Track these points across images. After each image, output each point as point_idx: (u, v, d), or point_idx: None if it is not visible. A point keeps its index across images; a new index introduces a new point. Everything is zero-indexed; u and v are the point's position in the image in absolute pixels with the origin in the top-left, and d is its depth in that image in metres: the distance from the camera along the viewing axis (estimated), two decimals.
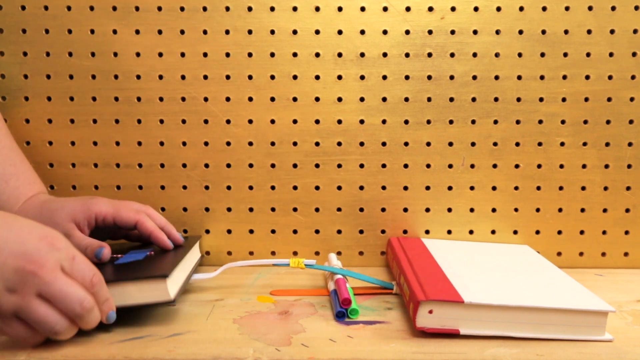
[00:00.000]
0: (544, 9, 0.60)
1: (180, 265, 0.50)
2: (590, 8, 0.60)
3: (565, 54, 0.61)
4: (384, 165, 0.63)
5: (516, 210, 0.64)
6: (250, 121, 0.62)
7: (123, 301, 0.45)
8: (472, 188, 0.63)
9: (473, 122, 0.62)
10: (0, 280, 0.37)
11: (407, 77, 0.61)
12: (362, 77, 0.61)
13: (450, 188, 0.63)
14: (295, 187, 0.63)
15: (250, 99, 0.61)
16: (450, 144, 0.62)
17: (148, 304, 0.45)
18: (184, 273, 0.52)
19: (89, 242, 0.50)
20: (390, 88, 0.61)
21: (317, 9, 0.60)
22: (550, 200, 0.63)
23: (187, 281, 0.52)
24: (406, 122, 0.62)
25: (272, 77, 0.61)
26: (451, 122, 0.62)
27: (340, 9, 0.60)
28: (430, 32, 0.60)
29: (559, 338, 0.44)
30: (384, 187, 0.63)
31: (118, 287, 0.45)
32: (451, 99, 0.62)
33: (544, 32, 0.60)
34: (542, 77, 0.61)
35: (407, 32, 0.60)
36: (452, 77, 0.61)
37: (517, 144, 0.62)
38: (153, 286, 0.45)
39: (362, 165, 0.63)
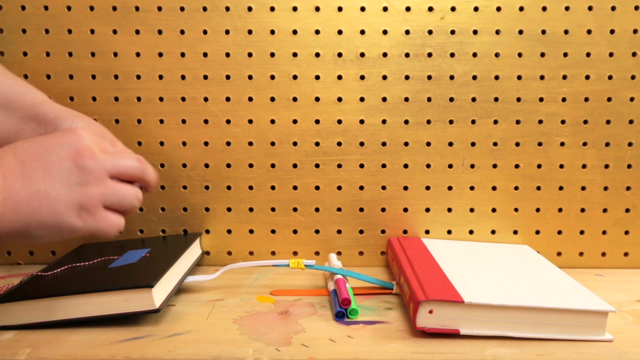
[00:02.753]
0: (544, 9, 0.60)
1: (172, 269, 0.50)
2: (590, 8, 0.60)
3: (565, 54, 0.61)
4: (384, 165, 0.63)
5: (516, 210, 0.64)
6: (250, 121, 0.62)
7: (109, 310, 0.45)
8: (472, 188, 0.63)
9: (473, 122, 0.62)
10: (72, 180, 0.38)
11: (407, 77, 0.61)
12: (362, 77, 0.61)
13: (450, 188, 0.63)
14: (295, 187, 0.63)
15: (250, 99, 0.61)
16: (450, 144, 0.62)
17: (133, 313, 0.45)
18: (177, 276, 0.52)
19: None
20: (390, 88, 0.61)
21: (317, 9, 0.60)
22: (550, 200, 0.63)
23: (182, 281, 0.52)
24: (406, 122, 0.62)
25: (272, 77, 0.61)
26: (451, 122, 0.62)
27: (340, 9, 0.60)
28: (430, 32, 0.60)
29: (559, 338, 0.44)
30: (384, 187, 0.63)
31: (104, 296, 0.45)
32: (451, 99, 0.62)
33: (544, 32, 0.60)
34: (542, 77, 0.61)
35: (407, 32, 0.60)
36: (452, 77, 0.61)
37: (517, 144, 0.62)
38: (139, 295, 0.45)
39: (362, 165, 0.63)
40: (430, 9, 0.60)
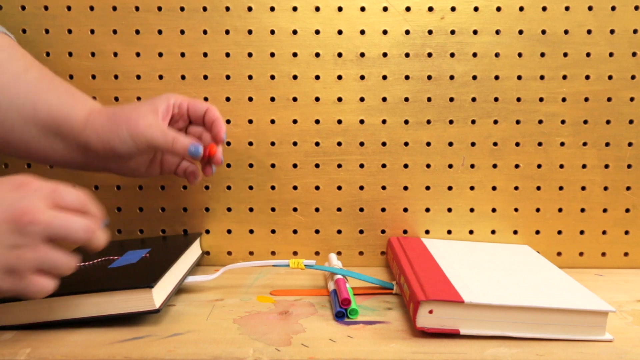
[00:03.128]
0: (544, 9, 0.60)
1: (172, 269, 0.50)
2: (590, 8, 0.60)
3: (565, 54, 0.61)
4: (384, 165, 0.63)
5: (516, 210, 0.64)
6: (250, 121, 0.62)
7: (109, 310, 0.45)
8: (472, 188, 0.63)
9: (473, 122, 0.62)
10: (6, 242, 0.37)
11: (407, 77, 0.61)
12: (362, 77, 0.61)
13: (450, 188, 0.63)
14: (295, 187, 0.63)
15: (250, 99, 0.61)
16: (450, 144, 0.62)
17: (133, 313, 0.45)
18: (177, 277, 0.52)
19: (174, 134, 0.50)
20: (390, 88, 0.61)
21: (317, 9, 0.60)
22: (550, 200, 0.63)
23: (182, 281, 0.52)
24: (406, 122, 0.62)
25: (272, 77, 0.61)
26: (451, 122, 0.62)
27: (340, 9, 0.60)
28: (430, 32, 0.60)
29: (559, 338, 0.44)
30: (384, 187, 0.63)
31: (104, 296, 0.45)
32: (451, 99, 0.62)
33: (544, 32, 0.60)
34: (542, 77, 0.61)
35: (407, 32, 0.60)
36: (452, 77, 0.61)
37: (517, 144, 0.62)
38: (139, 295, 0.45)
39: (362, 165, 0.63)
40: (430, 9, 0.60)
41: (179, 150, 0.49)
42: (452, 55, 0.61)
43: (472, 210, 0.64)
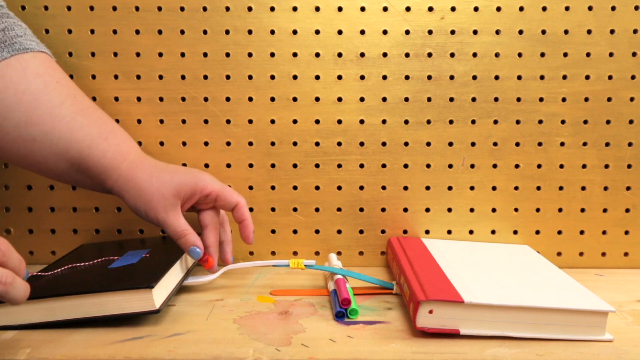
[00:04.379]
0: (544, 9, 0.60)
1: (172, 270, 0.50)
2: (590, 8, 0.60)
3: (565, 54, 0.61)
4: (384, 165, 0.63)
5: (516, 210, 0.64)
6: (250, 121, 0.62)
7: (109, 310, 0.45)
8: (472, 188, 0.63)
9: (473, 122, 0.62)
10: None
11: (407, 77, 0.61)
12: (362, 77, 0.61)
13: (450, 188, 0.63)
14: (295, 187, 0.63)
15: (250, 99, 0.61)
16: (450, 144, 0.62)
17: (133, 313, 0.45)
18: (177, 277, 0.52)
19: (185, 229, 0.51)
20: (390, 88, 0.61)
21: (317, 9, 0.60)
22: (550, 200, 0.63)
23: (182, 282, 0.52)
24: (406, 122, 0.62)
25: (272, 77, 0.61)
26: (451, 122, 0.62)
27: (340, 9, 0.60)
28: (430, 32, 0.60)
29: (559, 338, 0.44)
30: (384, 187, 0.63)
31: (104, 296, 0.45)
32: (451, 99, 0.62)
33: (544, 32, 0.60)
34: (542, 77, 0.61)
35: (407, 32, 0.60)
36: (452, 77, 0.61)
37: (517, 144, 0.62)
38: (139, 296, 0.45)
39: (362, 165, 0.63)
40: (430, 9, 0.60)
41: (182, 246, 0.52)
42: (452, 55, 0.61)
43: (472, 210, 0.64)
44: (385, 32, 0.60)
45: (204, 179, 0.52)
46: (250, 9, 0.60)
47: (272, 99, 0.61)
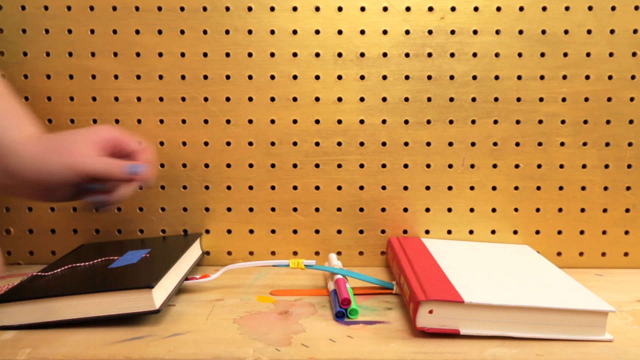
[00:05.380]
0: (544, 9, 0.60)
1: (172, 270, 0.50)
2: (590, 8, 0.60)
3: (565, 54, 0.61)
4: (384, 165, 0.63)
5: (516, 210, 0.64)
6: (250, 121, 0.62)
7: (109, 310, 0.45)
8: (472, 188, 0.63)
9: (473, 122, 0.62)
10: None
11: (407, 77, 0.61)
12: (362, 77, 0.61)
13: (450, 188, 0.63)
14: (295, 187, 0.63)
15: (250, 99, 0.61)
16: (450, 144, 0.62)
17: (133, 313, 0.45)
18: (177, 277, 0.52)
19: (120, 163, 0.47)
20: (390, 88, 0.61)
21: (317, 9, 0.60)
22: (550, 200, 0.63)
23: (182, 282, 0.52)
24: (406, 122, 0.62)
25: (272, 77, 0.61)
26: (451, 122, 0.62)
27: (340, 9, 0.60)
28: (430, 32, 0.60)
29: (559, 338, 0.44)
30: (384, 187, 0.63)
31: (104, 296, 0.45)
32: (451, 99, 0.62)
33: (544, 32, 0.60)
34: (542, 77, 0.61)
35: (407, 32, 0.60)
36: (452, 77, 0.61)
37: (517, 144, 0.62)
38: (139, 296, 0.45)
39: (362, 165, 0.63)
40: (430, 9, 0.60)
41: (116, 174, 0.46)
42: (452, 55, 0.61)
43: (472, 210, 0.64)
44: (385, 32, 0.60)
45: (106, 128, 0.49)
46: (250, 9, 0.60)
47: (272, 99, 0.61)
